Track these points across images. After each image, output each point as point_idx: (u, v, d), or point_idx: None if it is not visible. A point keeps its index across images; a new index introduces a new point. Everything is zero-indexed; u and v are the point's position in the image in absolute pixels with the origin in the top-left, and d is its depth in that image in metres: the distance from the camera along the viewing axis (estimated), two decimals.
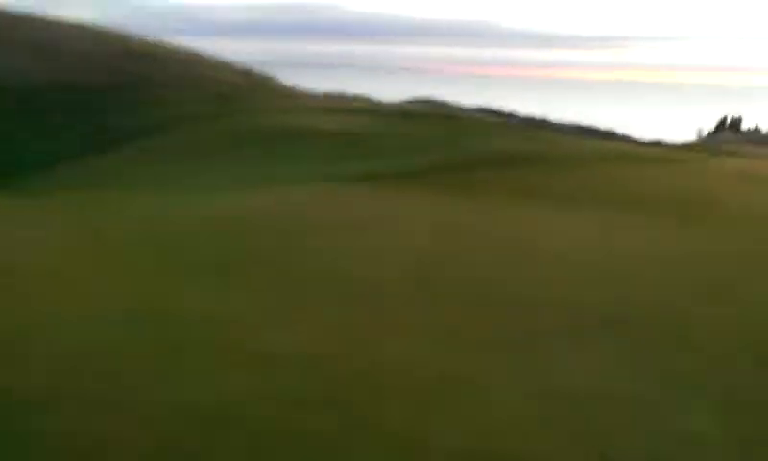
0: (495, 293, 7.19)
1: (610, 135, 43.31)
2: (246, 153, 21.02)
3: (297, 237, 9.57)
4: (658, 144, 36.91)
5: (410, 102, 40.41)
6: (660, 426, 4.59)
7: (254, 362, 5.26)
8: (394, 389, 4.96)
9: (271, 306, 6.57)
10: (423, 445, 4.24)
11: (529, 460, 4.15)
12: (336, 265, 8.13)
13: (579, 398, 4.92)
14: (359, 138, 21.19)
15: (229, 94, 30.19)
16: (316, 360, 5.37)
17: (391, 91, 48.85)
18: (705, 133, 50.37)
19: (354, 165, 17.10)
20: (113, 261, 7.91)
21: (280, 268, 7.91)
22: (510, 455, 4.18)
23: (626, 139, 40.61)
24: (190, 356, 5.28)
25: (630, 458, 4.23)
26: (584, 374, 5.31)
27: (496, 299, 7.02)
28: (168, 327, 5.85)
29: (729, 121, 51.36)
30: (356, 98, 34.17)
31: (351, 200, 12.61)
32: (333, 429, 4.36)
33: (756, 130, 49.16)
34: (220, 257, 8.24)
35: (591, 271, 8.17)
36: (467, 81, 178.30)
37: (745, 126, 50.75)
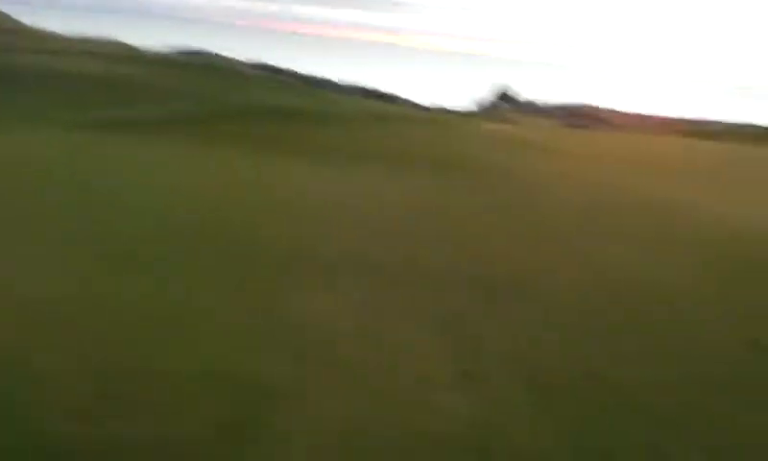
0: (252, 241, 7.70)
1: (391, 98, 45.04)
2: None
3: (38, 184, 9.54)
4: (436, 109, 39.21)
5: (178, 52, 39.72)
6: (374, 346, 5.34)
7: None
8: (127, 324, 5.34)
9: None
10: (154, 369, 4.67)
11: (255, 376, 4.71)
12: (77, 212, 8.31)
13: (324, 331, 5.57)
14: (114, 84, 20.81)
15: None
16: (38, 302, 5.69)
17: (157, 40, 47.58)
18: (483, 102, 53.82)
19: (113, 112, 16.89)
20: None
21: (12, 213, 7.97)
22: (239, 374, 4.72)
23: (406, 103, 42.55)
24: None
25: (341, 372, 4.92)
26: (329, 311, 5.96)
27: (252, 246, 7.53)
28: None
29: (504, 92, 55.25)
30: (114, 43, 33.11)
31: (102, 149, 12.57)
32: (60, 368, 4.71)
33: (530, 101, 53.40)
34: None
35: (347, 222, 8.95)
36: (245, 35, 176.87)
37: (519, 96, 54.89)
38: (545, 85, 79.07)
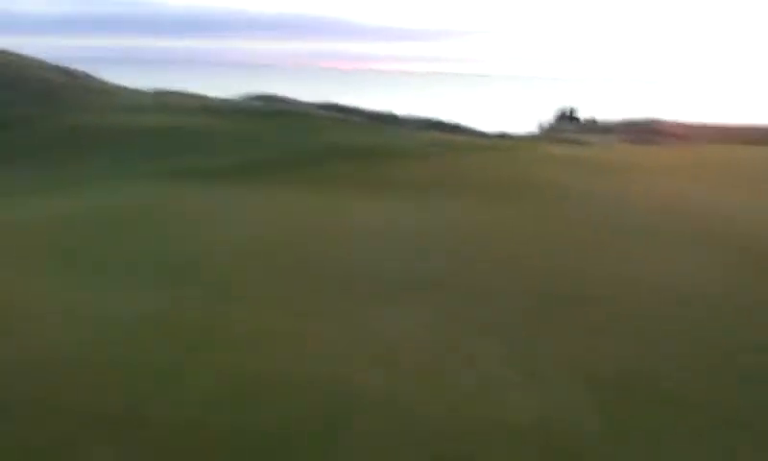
0: (330, 271, 8.63)
1: (455, 128, 45.66)
2: (70, 153, 21.34)
3: (130, 231, 10.56)
4: (501, 136, 39.69)
5: (245, 98, 41.22)
6: (449, 353, 6.19)
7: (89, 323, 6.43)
8: (242, 339, 6.24)
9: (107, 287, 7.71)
10: (263, 375, 5.54)
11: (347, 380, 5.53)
12: (171, 254, 9.30)
13: (386, 342, 6.41)
14: (190, 135, 22.05)
15: (51, 93, 30.04)
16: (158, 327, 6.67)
17: (226, 88, 49.36)
18: (545, 124, 54.11)
19: (186, 162, 18.01)
20: None
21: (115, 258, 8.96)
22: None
23: (470, 132, 43.15)
24: None
25: (416, 376, 5.69)
26: (396, 327, 6.83)
27: (330, 275, 8.46)
28: None
29: (566, 112, 55.52)
30: (187, 95, 34.71)
31: (184, 195, 13.55)
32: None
33: (592, 120, 53.51)
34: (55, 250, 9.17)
35: (412, 246, 9.87)
36: (308, 76, 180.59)
37: (581, 116, 55.06)
38: (607, 102, 78.86)
